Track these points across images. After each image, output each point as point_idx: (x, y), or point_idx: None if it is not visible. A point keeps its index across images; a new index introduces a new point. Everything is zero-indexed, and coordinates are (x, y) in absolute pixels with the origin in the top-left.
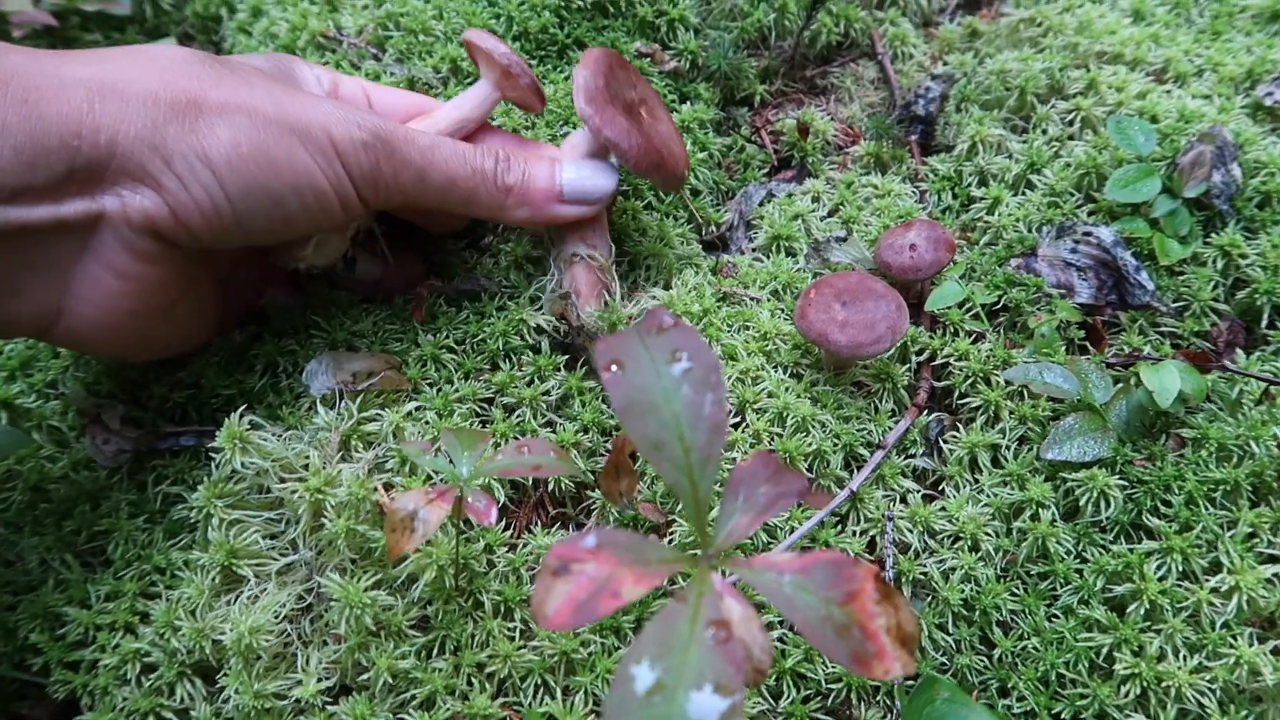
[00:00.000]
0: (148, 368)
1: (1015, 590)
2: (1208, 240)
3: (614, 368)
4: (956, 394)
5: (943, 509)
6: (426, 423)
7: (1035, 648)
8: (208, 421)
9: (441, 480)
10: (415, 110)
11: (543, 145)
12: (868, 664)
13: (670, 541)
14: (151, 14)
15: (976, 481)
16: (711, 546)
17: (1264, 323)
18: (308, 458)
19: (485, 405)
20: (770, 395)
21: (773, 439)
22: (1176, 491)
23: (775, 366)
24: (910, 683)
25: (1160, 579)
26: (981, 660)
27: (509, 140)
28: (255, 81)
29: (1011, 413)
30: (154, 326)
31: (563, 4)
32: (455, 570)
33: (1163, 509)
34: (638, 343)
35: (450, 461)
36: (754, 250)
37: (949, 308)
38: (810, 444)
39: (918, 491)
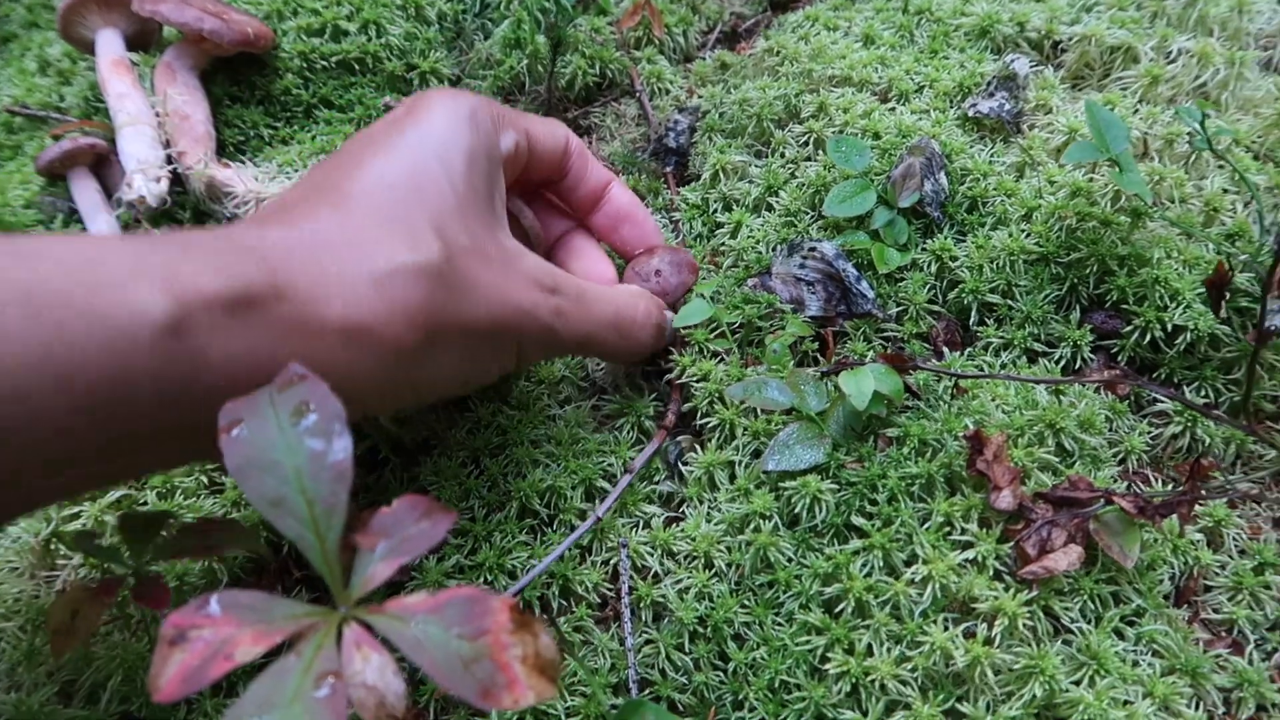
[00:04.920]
0: None
1: (746, 602)
2: (924, 247)
3: (234, 430)
4: (699, 414)
5: (682, 530)
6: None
7: (763, 657)
8: None
9: (110, 571)
10: None
11: None
12: (496, 696)
13: None
14: None
15: (715, 499)
16: (349, 599)
17: (973, 320)
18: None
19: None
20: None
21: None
22: (881, 490)
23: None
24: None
25: (866, 576)
26: (718, 675)
27: None
28: None
29: (745, 429)
30: None
31: (305, 65)
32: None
33: (869, 508)
34: (265, 401)
35: (124, 550)
36: None
37: (694, 326)
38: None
39: (661, 516)
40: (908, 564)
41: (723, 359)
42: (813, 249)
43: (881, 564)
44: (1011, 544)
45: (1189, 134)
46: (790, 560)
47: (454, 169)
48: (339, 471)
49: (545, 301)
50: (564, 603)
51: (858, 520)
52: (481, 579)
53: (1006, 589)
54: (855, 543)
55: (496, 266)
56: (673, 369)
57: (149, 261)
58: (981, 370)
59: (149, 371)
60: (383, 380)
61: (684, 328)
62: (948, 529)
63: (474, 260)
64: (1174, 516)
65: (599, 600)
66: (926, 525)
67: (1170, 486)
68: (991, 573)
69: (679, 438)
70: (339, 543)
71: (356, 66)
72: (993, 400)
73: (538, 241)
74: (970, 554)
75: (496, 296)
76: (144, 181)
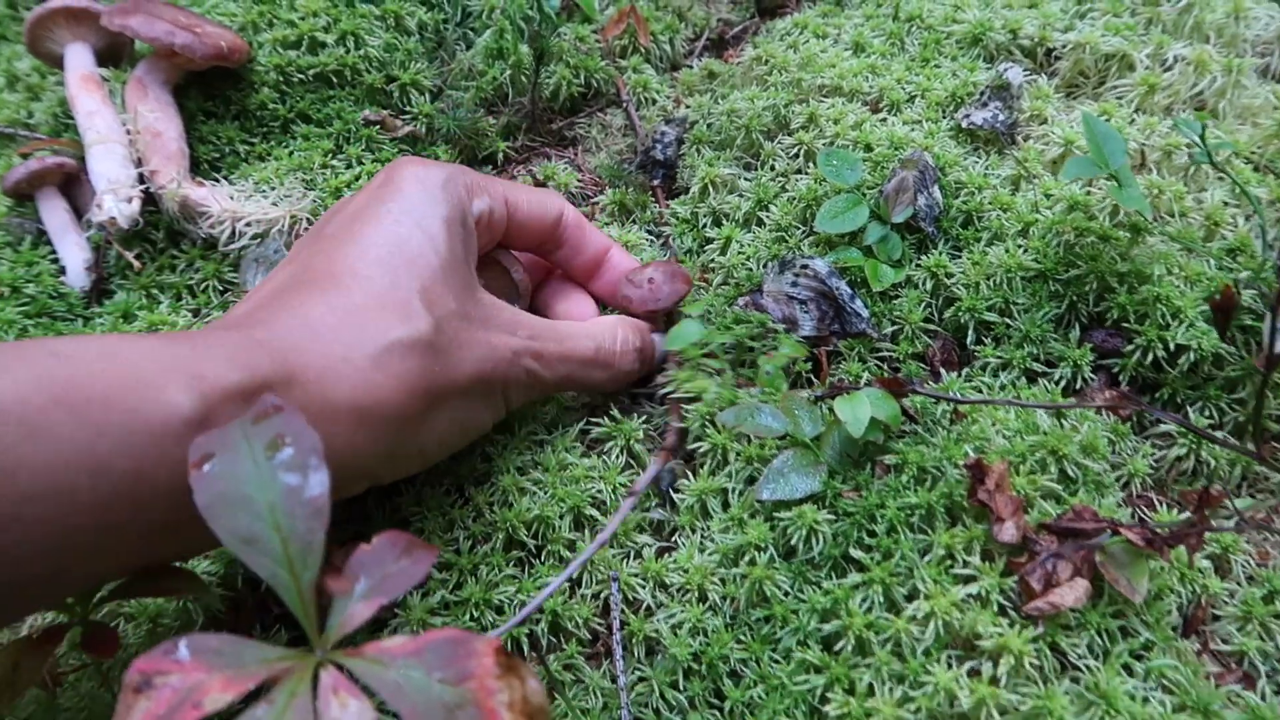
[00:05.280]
0: None
1: (742, 638)
2: (919, 263)
3: (205, 465)
4: (690, 438)
5: (675, 561)
6: None
7: (761, 696)
8: None
9: (76, 613)
10: None
11: None
12: None
13: None
14: None
15: (708, 529)
16: (327, 641)
17: (970, 339)
18: None
19: None
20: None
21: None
22: (879, 520)
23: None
24: None
25: (866, 612)
26: (714, 715)
27: None
28: None
29: (738, 454)
30: None
31: (282, 79)
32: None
33: (867, 539)
34: (238, 434)
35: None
36: None
37: (687, 346)
38: (531, 510)
39: (652, 546)
40: (909, 599)
41: (714, 376)
42: (805, 266)
43: (882, 599)
44: (1015, 578)
45: (1188, 146)
46: (787, 594)
47: (436, 237)
48: (316, 507)
49: (524, 347)
50: (553, 640)
51: (856, 552)
52: (468, 615)
53: (1011, 625)
54: (854, 576)
55: (477, 324)
56: (665, 387)
57: (173, 360)
58: (980, 392)
59: (179, 461)
60: (393, 449)
61: (675, 349)
62: (949, 562)
63: (458, 323)
64: (1182, 547)
65: (589, 636)
66: (927, 558)
67: (1175, 510)
68: (995, 608)
69: (667, 466)
70: (315, 582)
71: (335, 79)
72: (993, 425)
73: (525, 294)
74: (973, 588)
75: (480, 353)
76: (115, 202)
